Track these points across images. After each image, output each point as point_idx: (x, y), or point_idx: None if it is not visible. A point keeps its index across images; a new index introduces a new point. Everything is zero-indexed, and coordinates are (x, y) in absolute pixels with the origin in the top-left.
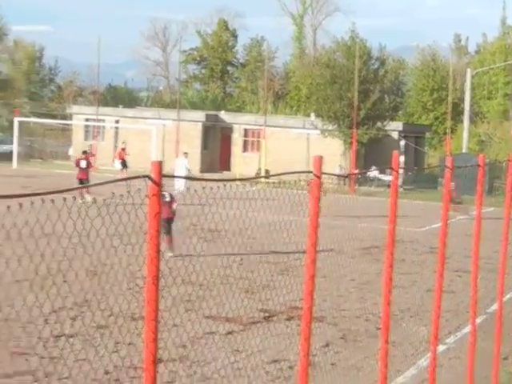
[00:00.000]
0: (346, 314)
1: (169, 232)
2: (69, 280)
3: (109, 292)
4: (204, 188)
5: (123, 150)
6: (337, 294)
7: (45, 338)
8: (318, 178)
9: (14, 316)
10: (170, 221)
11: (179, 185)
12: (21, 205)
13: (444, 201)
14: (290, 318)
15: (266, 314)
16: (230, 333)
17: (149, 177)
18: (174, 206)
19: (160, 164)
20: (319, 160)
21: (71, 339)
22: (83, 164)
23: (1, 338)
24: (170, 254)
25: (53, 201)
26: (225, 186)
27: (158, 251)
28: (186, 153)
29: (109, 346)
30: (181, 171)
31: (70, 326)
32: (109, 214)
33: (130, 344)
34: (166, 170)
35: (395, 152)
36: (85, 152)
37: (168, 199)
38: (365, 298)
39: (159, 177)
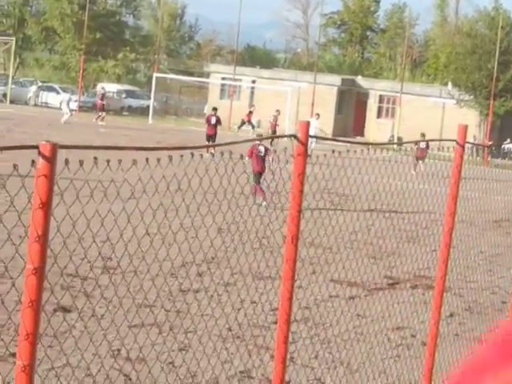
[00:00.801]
0: (473, 286)
1: (259, 182)
2: (200, 236)
3: (238, 250)
4: (335, 151)
5: (251, 113)
6: (464, 265)
7: (172, 292)
8: (462, 146)
9: (143, 268)
10: (261, 173)
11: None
12: (158, 160)
13: None
14: (414, 287)
15: (391, 281)
16: (353, 297)
17: (295, 136)
18: (270, 158)
19: (308, 124)
20: (464, 129)
21: (197, 294)
22: (213, 120)
23: (130, 290)
24: (265, 203)
25: (182, 156)
26: (355, 151)
27: (300, 211)
28: (317, 114)
29: (234, 304)
30: (312, 132)
31: (197, 282)
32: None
33: (254, 303)
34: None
35: None
36: (215, 109)
37: (262, 154)
38: (493, 271)
39: (306, 137)
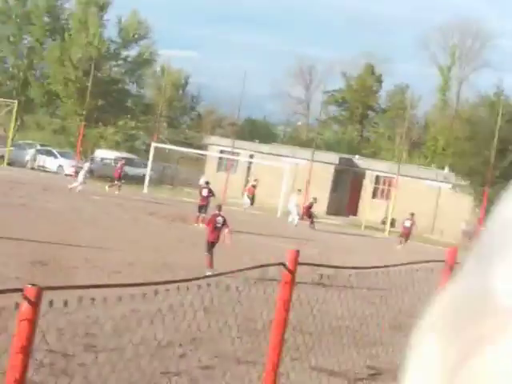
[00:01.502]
0: None
1: (211, 253)
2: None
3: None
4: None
5: (254, 186)
6: None
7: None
8: (450, 268)
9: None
10: (214, 243)
11: (293, 218)
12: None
13: None
14: (397, 378)
15: (373, 371)
16: None
17: (283, 264)
18: (226, 231)
19: (297, 253)
20: (454, 252)
21: (177, 377)
22: (204, 192)
23: (113, 370)
24: (209, 273)
25: (167, 290)
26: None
27: (283, 339)
28: (299, 190)
29: None
30: (290, 207)
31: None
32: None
33: None
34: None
35: None
36: (207, 182)
37: (220, 225)
38: None
39: (294, 265)
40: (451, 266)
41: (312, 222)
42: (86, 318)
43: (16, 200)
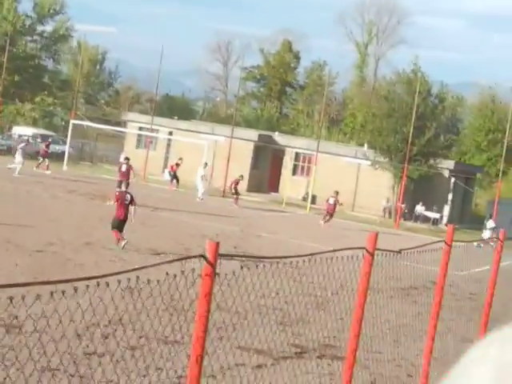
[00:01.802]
0: (379, 357)
1: (121, 230)
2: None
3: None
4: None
5: (177, 165)
6: (370, 335)
7: (77, 355)
8: (371, 255)
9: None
10: (124, 221)
11: (201, 190)
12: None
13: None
14: (321, 356)
15: (298, 350)
16: (259, 366)
17: (204, 256)
18: (133, 208)
19: (216, 245)
20: (374, 237)
21: (102, 358)
22: (123, 168)
23: (32, 353)
24: (123, 243)
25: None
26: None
27: (205, 331)
28: (206, 163)
29: (139, 369)
30: (198, 179)
31: (102, 345)
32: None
33: (159, 369)
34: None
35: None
36: (127, 158)
37: (128, 202)
38: (399, 342)
39: (215, 257)
40: (372, 252)
41: (236, 200)
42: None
43: None
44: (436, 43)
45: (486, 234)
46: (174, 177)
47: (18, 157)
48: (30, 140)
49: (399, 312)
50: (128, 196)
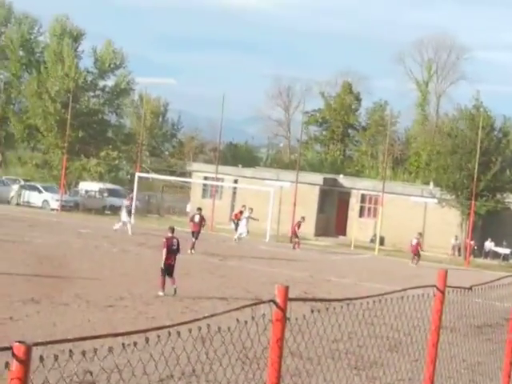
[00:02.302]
0: None
1: (170, 275)
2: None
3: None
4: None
5: (241, 213)
6: (447, 375)
7: None
8: (442, 292)
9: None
10: (171, 266)
11: (243, 231)
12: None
13: None
14: None
15: None
16: None
17: (274, 301)
18: (179, 254)
19: (286, 289)
20: (444, 274)
21: None
22: (196, 219)
23: None
24: (161, 294)
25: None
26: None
27: (279, 377)
28: (251, 208)
29: None
30: (243, 221)
31: None
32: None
33: None
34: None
35: None
36: (199, 209)
37: (175, 247)
38: (474, 381)
39: (285, 302)
40: (442, 289)
41: (297, 244)
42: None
43: (3, 237)
44: (497, 77)
45: None
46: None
47: (124, 215)
48: (132, 196)
49: (474, 350)
50: (175, 241)
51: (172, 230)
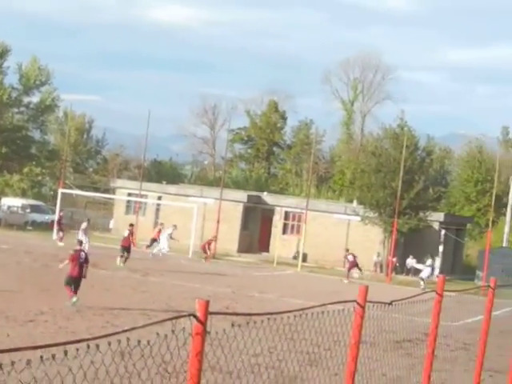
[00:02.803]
0: None
1: (76, 288)
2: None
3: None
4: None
5: (159, 231)
6: None
7: None
8: (362, 307)
9: None
10: (79, 280)
11: (164, 246)
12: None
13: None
14: None
15: None
16: None
17: (194, 315)
18: (85, 268)
19: (207, 303)
20: (365, 290)
21: None
22: (125, 234)
23: None
24: (75, 299)
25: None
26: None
27: None
28: (175, 225)
29: None
30: (163, 238)
31: None
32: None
33: None
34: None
35: None
36: (131, 225)
37: (82, 260)
38: None
39: (205, 315)
40: (362, 305)
41: (207, 258)
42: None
43: None
44: (421, 97)
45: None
46: (154, 240)
47: (82, 237)
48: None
49: (394, 365)
50: (83, 254)
51: (80, 242)
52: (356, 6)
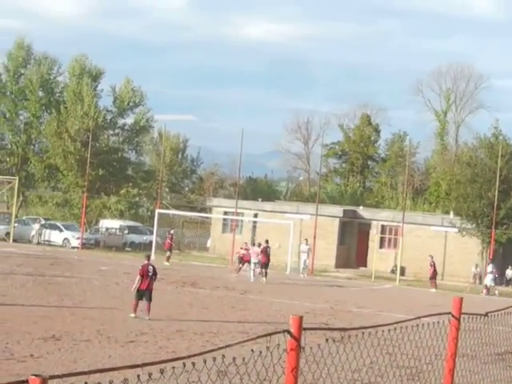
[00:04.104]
0: None
1: (149, 299)
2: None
3: None
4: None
5: (247, 250)
6: None
7: None
8: (457, 319)
9: None
10: (150, 291)
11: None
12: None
13: None
14: None
15: None
16: None
17: (288, 331)
18: (155, 279)
19: (300, 319)
20: (459, 302)
21: None
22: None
23: None
24: (147, 318)
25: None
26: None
27: None
28: (306, 239)
29: None
30: (304, 254)
31: None
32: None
33: None
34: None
35: None
36: (266, 241)
37: (151, 273)
38: None
39: (299, 331)
40: (457, 316)
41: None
42: None
43: (24, 276)
44: None
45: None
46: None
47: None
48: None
49: (495, 378)
50: (151, 268)
51: (148, 257)
52: (443, 14)
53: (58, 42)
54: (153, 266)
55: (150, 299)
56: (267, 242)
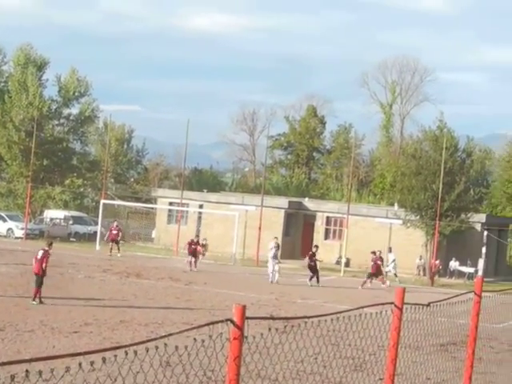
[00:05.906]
0: None
1: (40, 285)
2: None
3: None
4: None
5: (201, 244)
6: None
7: None
8: (400, 309)
9: None
10: (39, 275)
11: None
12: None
13: None
14: None
15: None
16: None
17: (231, 320)
18: (44, 264)
19: (243, 308)
20: (402, 292)
21: None
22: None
23: None
24: (34, 303)
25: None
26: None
27: None
28: (275, 237)
29: None
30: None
31: None
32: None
33: None
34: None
35: None
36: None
37: (40, 256)
38: None
39: (242, 320)
40: (400, 306)
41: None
42: None
43: None
44: (460, 98)
45: None
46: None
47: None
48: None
49: (438, 368)
50: (41, 252)
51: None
52: (391, 7)
53: (1, 30)
54: (43, 250)
55: (40, 284)
56: (317, 247)
